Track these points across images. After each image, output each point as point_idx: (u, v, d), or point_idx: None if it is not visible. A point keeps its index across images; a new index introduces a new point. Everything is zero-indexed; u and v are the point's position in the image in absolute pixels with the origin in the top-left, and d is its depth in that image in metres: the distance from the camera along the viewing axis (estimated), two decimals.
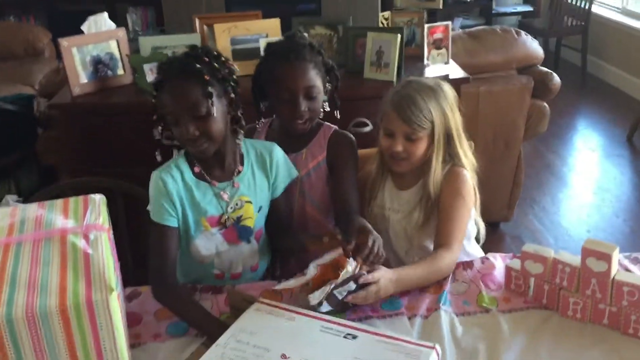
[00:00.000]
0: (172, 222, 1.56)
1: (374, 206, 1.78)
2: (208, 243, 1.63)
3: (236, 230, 1.63)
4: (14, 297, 1.10)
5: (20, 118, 3.13)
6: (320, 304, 1.38)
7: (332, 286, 1.39)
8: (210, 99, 1.48)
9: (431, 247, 1.71)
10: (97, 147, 2.45)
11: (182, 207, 1.58)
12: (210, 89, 1.48)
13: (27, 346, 1.10)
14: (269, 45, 1.75)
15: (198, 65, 1.47)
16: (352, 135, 1.82)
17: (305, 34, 1.80)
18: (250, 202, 1.63)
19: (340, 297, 1.39)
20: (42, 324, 1.09)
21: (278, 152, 1.68)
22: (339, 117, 1.84)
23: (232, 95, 1.55)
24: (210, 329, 1.37)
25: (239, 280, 1.69)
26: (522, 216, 3.46)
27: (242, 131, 1.61)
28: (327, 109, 1.79)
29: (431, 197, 1.68)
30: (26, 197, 2.89)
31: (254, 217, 1.65)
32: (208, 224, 1.60)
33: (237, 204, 1.61)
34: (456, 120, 1.69)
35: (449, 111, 1.66)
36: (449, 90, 1.69)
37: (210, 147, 1.53)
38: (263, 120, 1.82)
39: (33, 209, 1.38)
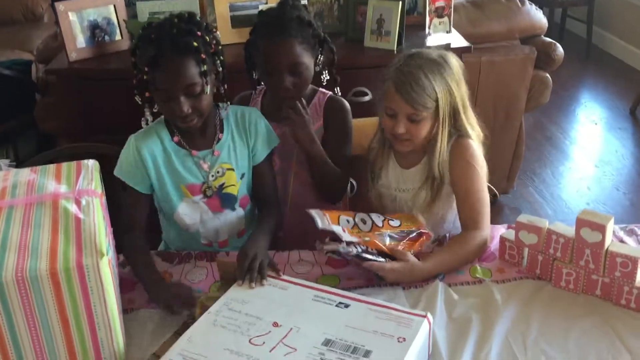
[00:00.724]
0: (140, 189, 1.59)
1: (380, 187, 1.74)
2: (192, 212, 1.63)
3: (219, 198, 1.63)
4: (4, 260, 1.10)
5: (17, 84, 3.11)
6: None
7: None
8: (205, 77, 1.47)
9: (443, 224, 1.71)
10: (95, 113, 2.43)
11: (158, 174, 1.58)
12: (205, 67, 1.47)
13: (17, 309, 1.10)
14: (260, 15, 1.71)
15: (195, 44, 1.45)
16: (346, 102, 1.79)
17: (300, 2, 1.73)
18: (232, 169, 1.62)
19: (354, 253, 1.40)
20: (32, 287, 1.09)
21: (258, 118, 1.66)
22: (339, 93, 1.80)
23: (220, 69, 1.55)
24: (148, 287, 1.43)
25: (227, 248, 1.69)
26: (522, 188, 3.45)
27: (226, 103, 1.62)
28: (327, 77, 1.76)
29: (437, 175, 1.62)
30: (24, 164, 2.89)
31: (237, 185, 1.64)
32: (188, 192, 1.60)
33: (218, 172, 1.61)
34: (462, 94, 1.60)
35: (454, 85, 1.57)
36: (454, 61, 1.60)
37: (199, 122, 1.54)
38: (258, 87, 1.80)
39: (25, 174, 1.37)
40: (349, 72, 2.40)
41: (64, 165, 1.41)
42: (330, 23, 2.62)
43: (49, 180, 1.34)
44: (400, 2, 2.37)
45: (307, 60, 1.65)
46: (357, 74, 2.39)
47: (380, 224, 1.52)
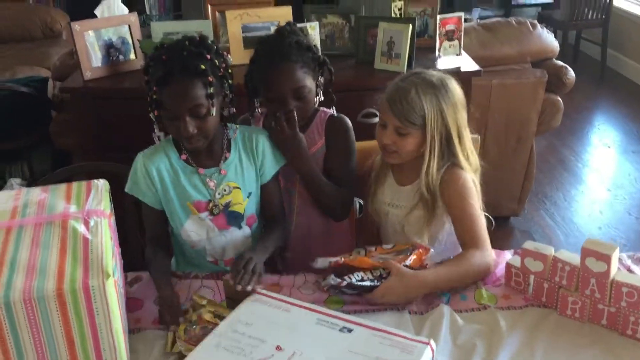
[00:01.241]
0: (152, 204, 1.64)
1: (375, 201, 1.77)
2: (198, 228, 1.65)
3: (225, 216, 1.65)
4: (13, 280, 1.12)
5: (34, 100, 3.15)
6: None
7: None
8: (211, 100, 1.51)
9: (434, 244, 1.71)
10: (109, 131, 2.46)
11: (165, 191, 1.62)
12: (212, 90, 1.50)
13: (24, 329, 1.12)
14: (259, 43, 1.72)
15: (203, 67, 1.49)
16: (347, 120, 1.81)
17: (297, 26, 1.75)
18: (238, 187, 1.65)
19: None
20: (39, 307, 1.11)
21: (265, 138, 1.69)
22: (335, 113, 1.81)
23: (227, 91, 1.58)
24: (161, 292, 1.46)
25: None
26: (533, 211, 3.44)
27: (233, 124, 1.66)
28: (322, 98, 1.78)
29: (426, 195, 1.63)
30: (39, 181, 2.93)
31: (244, 203, 1.66)
32: (195, 209, 1.63)
33: (224, 190, 1.64)
34: (458, 120, 1.62)
35: (449, 110, 1.59)
36: (454, 87, 1.63)
37: (204, 143, 1.58)
38: (259, 110, 1.81)
39: (36, 193, 1.39)
40: (359, 93, 2.43)
41: (75, 184, 1.43)
42: (341, 45, 2.65)
43: (59, 199, 1.36)
44: (411, 25, 2.39)
45: (309, 83, 1.68)
46: (367, 96, 2.40)
47: (373, 248, 1.56)
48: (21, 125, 3.14)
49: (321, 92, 1.76)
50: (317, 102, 1.77)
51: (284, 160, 1.71)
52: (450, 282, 1.49)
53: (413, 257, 1.50)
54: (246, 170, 1.66)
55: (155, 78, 1.50)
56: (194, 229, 1.65)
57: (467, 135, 1.67)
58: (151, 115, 1.58)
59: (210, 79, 1.50)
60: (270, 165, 1.69)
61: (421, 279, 1.46)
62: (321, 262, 1.49)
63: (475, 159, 1.69)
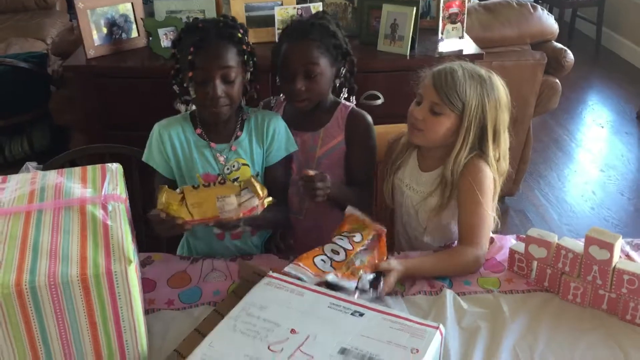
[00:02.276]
0: (162, 170, 1.69)
1: (395, 178, 1.77)
2: None
3: None
4: (37, 265, 1.15)
5: (33, 76, 3.14)
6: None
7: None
8: (240, 66, 1.61)
9: (447, 233, 1.74)
10: (111, 109, 2.47)
11: (176, 160, 1.68)
12: (244, 57, 1.61)
13: (49, 313, 1.15)
14: (291, 21, 1.77)
15: (239, 34, 1.60)
16: (368, 116, 1.81)
17: (331, 16, 1.77)
18: (247, 164, 1.69)
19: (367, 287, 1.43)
20: (64, 291, 1.14)
21: (278, 123, 1.71)
22: (354, 102, 1.83)
23: (252, 69, 1.66)
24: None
25: (240, 240, 1.76)
26: (528, 191, 3.50)
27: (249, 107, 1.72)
28: (345, 95, 1.80)
29: (448, 184, 1.64)
30: (39, 155, 2.94)
31: None
32: (203, 180, 1.66)
33: (233, 166, 1.68)
34: (498, 118, 1.60)
35: (491, 105, 1.58)
36: (499, 86, 1.61)
37: (228, 111, 1.63)
38: (279, 97, 1.84)
39: (52, 177, 1.41)
40: (361, 75, 2.42)
41: (89, 168, 1.46)
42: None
43: (75, 184, 1.38)
44: (415, 8, 2.40)
45: (324, 65, 1.67)
46: (369, 78, 2.43)
47: (350, 247, 1.50)
48: (21, 101, 3.14)
49: (340, 83, 1.77)
50: (342, 96, 1.80)
51: (295, 147, 1.73)
52: (432, 272, 1.53)
53: (382, 251, 1.52)
54: (255, 152, 1.69)
55: (191, 41, 1.57)
56: None
57: (505, 139, 1.65)
58: (175, 87, 1.66)
59: (244, 47, 1.61)
60: (278, 148, 1.71)
61: (409, 273, 1.50)
62: (305, 277, 1.42)
63: (506, 164, 1.68)
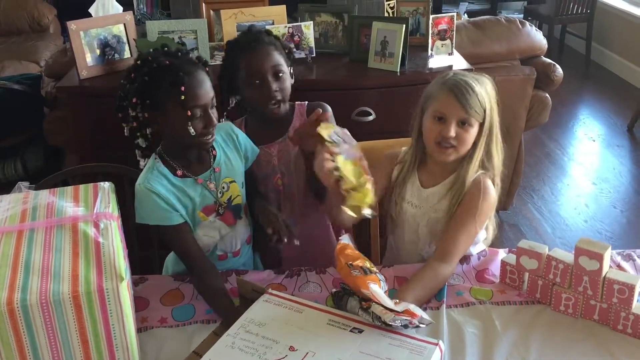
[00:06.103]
0: (177, 219, 1.60)
1: (396, 195, 1.76)
2: (210, 231, 1.68)
3: (231, 212, 1.70)
4: (29, 283, 1.15)
5: (27, 98, 3.15)
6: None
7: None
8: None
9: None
10: (104, 130, 2.47)
11: (172, 208, 1.60)
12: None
13: (40, 330, 1.15)
14: (229, 43, 1.85)
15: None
16: (326, 105, 1.85)
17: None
18: (234, 181, 1.70)
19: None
20: (55, 309, 1.14)
21: (234, 128, 1.76)
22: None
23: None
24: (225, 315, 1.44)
25: (239, 257, 1.76)
26: (521, 205, 3.51)
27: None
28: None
29: (460, 192, 1.64)
30: (32, 177, 2.94)
31: (241, 194, 1.73)
32: (204, 215, 1.66)
33: (223, 187, 1.68)
34: (496, 117, 1.65)
35: (494, 106, 1.63)
36: (493, 85, 1.66)
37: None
38: (227, 119, 1.87)
39: (44, 196, 1.42)
40: (353, 92, 2.47)
41: (81, 187, 1.46)
42: (335, 43, 2.68)
43: (67, 202, 1.39)
44: (404, 25, 2.43)
45: (285, 67, 1.80)
46: (360, 95, 2.45)
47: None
48: (14, 123, 3.14)
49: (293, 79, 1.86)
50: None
51: (257, 149, 1.79)
52: (424, 302, 1.51)
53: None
54: (234, 163, 1.71)
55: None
56: (206, 233, 1.68)
57: (500, 137, 1.68)
58: (139, 134, 1.64)
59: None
60: (252, 151, 1.78)
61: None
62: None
63: (499, 162, 1.70)
